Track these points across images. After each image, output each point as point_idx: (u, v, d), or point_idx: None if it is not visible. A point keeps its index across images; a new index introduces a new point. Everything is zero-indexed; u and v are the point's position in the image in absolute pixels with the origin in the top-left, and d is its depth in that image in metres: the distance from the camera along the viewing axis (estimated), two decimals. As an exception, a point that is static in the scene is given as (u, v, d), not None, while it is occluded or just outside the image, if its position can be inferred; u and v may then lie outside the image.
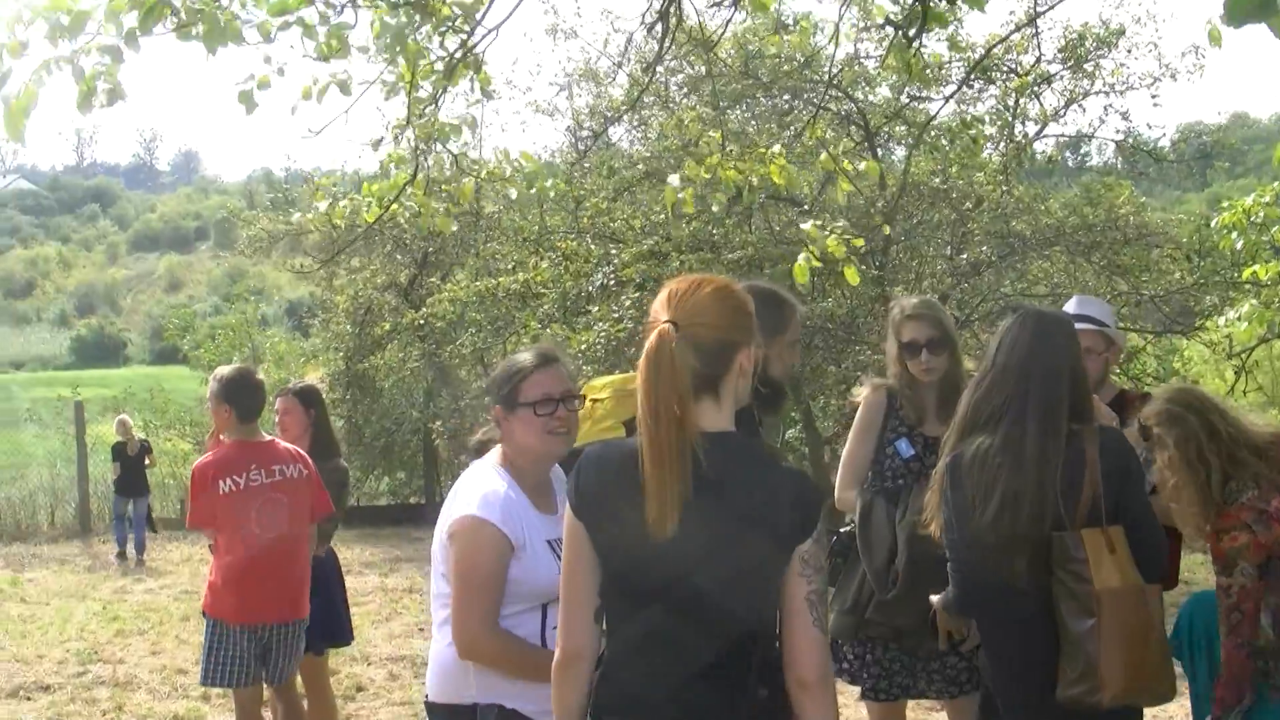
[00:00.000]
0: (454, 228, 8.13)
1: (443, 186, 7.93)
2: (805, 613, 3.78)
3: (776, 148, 9.24)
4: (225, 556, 8.05)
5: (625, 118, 21.97)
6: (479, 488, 4.92)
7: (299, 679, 8.67)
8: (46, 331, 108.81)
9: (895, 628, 6.36)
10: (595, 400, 5.60)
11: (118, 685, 11.71)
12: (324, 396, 9.64)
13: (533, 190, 8.20)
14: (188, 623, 14.46)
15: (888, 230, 16.02)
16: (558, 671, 4.02)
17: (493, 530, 4.77)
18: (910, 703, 6.90)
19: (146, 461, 21.10)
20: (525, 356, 5.07)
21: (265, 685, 8.30)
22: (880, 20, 8.87)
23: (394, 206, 8.12)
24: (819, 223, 8.64)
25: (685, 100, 21.24)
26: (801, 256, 8.28)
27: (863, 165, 9.66)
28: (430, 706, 5.06)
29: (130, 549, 20.04)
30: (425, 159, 7.95)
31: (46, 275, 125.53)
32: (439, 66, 7.35)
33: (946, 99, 13.41)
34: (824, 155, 10.52)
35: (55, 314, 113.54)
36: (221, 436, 8.47)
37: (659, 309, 3.85)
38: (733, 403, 3.90)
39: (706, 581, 3.73)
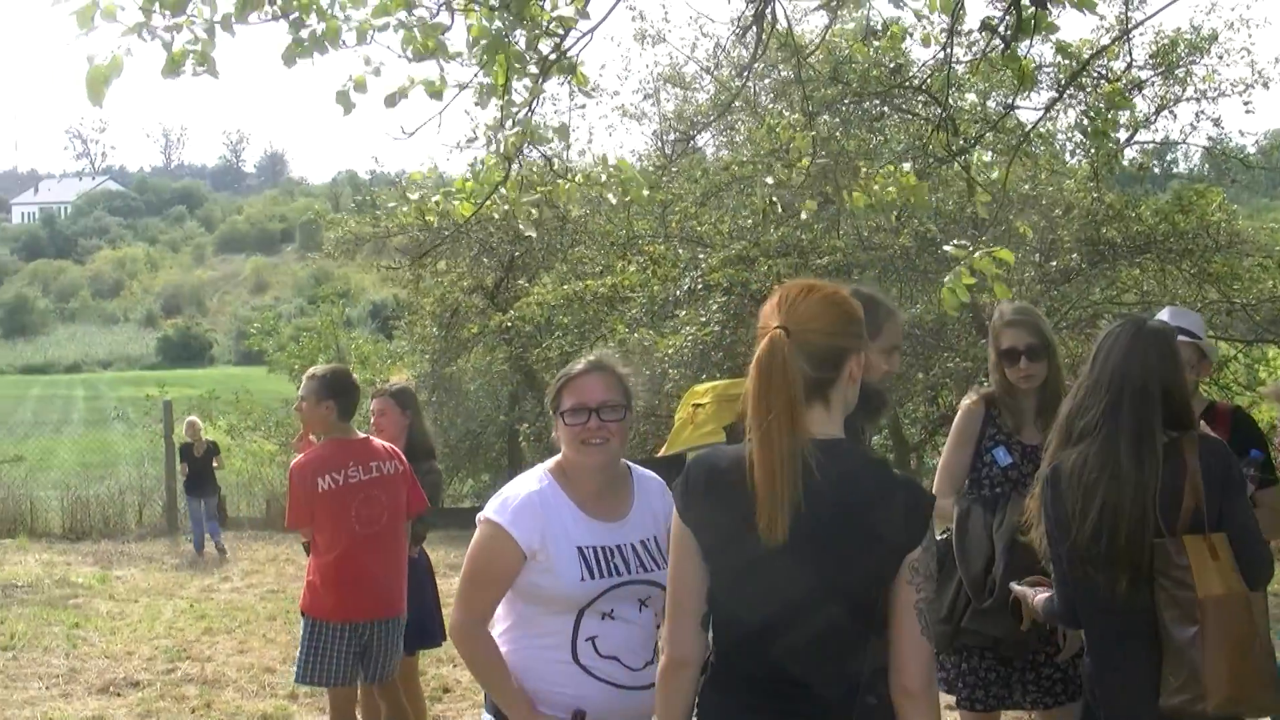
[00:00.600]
0: (533, 234, 8.10)
1: (536, 188, 7.92)
2: (913, 621, 3.76)
3: (907, 165, 9.23)
4: (324, 555, 8.07)
5: (711, 123, 21.97)
6: (509, 489, 4.93)
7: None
8: (134, 331, 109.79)
9: (991, 637, 6.33)
10: (697, 405, 5.58)
11: (206, 683, 11.80)
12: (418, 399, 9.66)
13: (629, 198, 8.16)
14: (274, 622, 14.57)
15: (1028, 233, 15.90)
16: (663, 677, 4.03)
17: (499, 532, 4.78)
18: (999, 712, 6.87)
19: (214, 463, 21.49)
20: (576, 364, 4.97)
21: (360, 685, 8.34)
22: (974, 27, 8.79)
23: (487, 204, 8.12)
24: (962, 242, 8.57)
25: (773, 105, 21.23)
26: (948, 278, 8.19)
27: (994, 174, 9.61)
28: (487, 698, 5.07)
29: (211, 546, 20.39)
30: (518, 161, 7.95)
31: (134, 276, 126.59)
32: (533, 69, 7.36)
33: (1048, 107, 13.33)
34: (956, 167, 10.46)
35: (142, 314, 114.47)
36: (311, 437, 8.52)
37: (769, 314, 3.85)
38: (842, 409, 3.90)
39: (816, 589, 3.73)
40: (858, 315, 3.92)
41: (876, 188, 9.08)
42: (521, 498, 4.83)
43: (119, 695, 11.46)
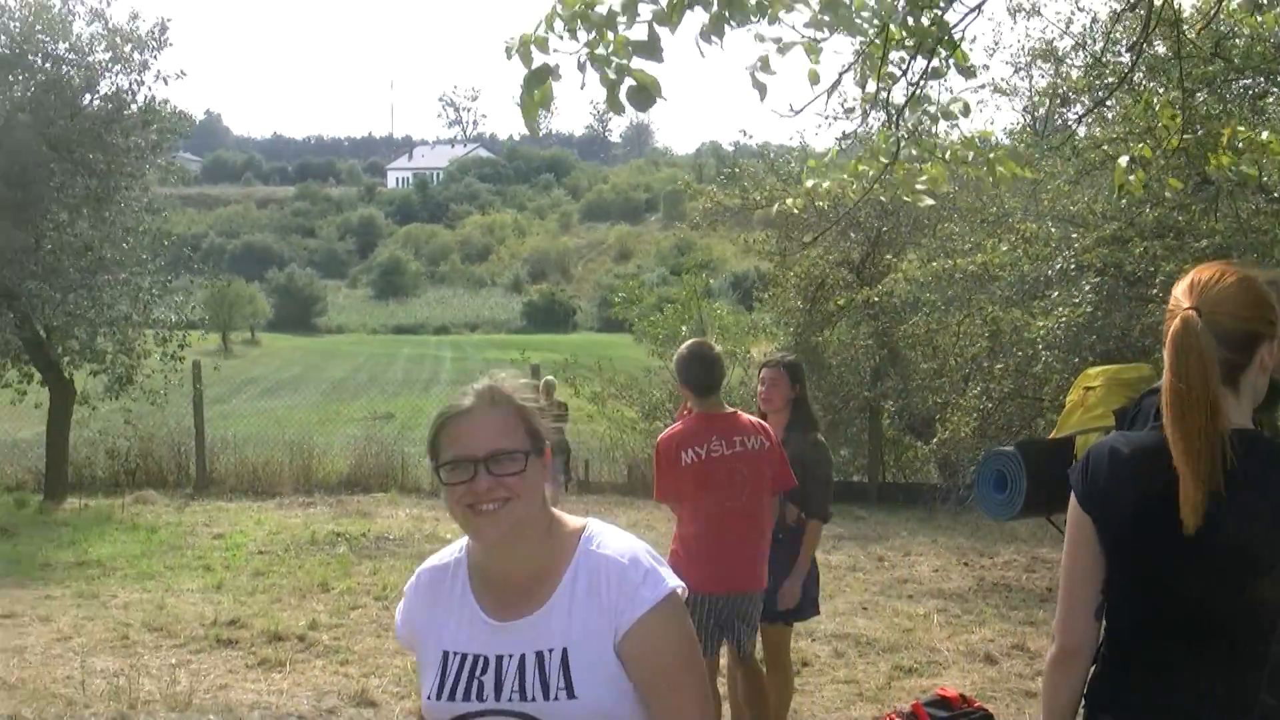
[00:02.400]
0: (930, 202, 7.93)
1: (922, 166, 7.79)
2: None
3: (1265, 134, 8.92)
4: (687, 527, 8.17)
5: (1084, 100, 21.52)
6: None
7: (759, 648, 8.77)
8: (500, 296, 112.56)
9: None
10: (1088, 388, 5.49)
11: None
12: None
13: (995, 179, 7.93)
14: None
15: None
16: (1054, 667, 3.96)
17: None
18: None
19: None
20: (461, 397, 3.50)
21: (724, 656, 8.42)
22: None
23: (875, 187, 8.06)
24: None
25: (1149, 83, 20.69)
26: None
27: None
28: None
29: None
30: (905, 140, 7.86)
31: (502, 241, 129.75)
32: (909, 44, 7.22)
33: None
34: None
35: (509, 279, 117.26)
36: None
37: (1181, 296, 3.76)
38: (1251, 398, 3.81)
39: (1227, 582, 3.66)
40: (1271, 301, 3.80)
41: (1241, 145, 8.79)
42: (417, 574, 3.78)
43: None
